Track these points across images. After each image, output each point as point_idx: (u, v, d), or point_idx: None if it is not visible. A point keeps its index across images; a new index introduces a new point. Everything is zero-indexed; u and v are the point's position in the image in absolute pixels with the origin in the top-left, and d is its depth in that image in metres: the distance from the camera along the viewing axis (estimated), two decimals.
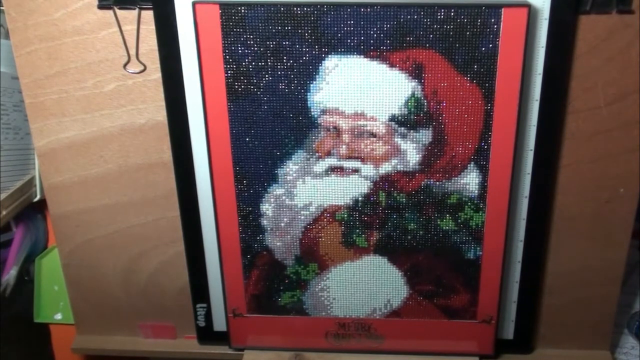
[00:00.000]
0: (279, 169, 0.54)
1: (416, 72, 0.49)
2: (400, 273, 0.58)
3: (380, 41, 0.48)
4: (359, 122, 0.51)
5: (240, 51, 0.49)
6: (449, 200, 0.54)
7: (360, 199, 0.54)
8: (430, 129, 0.51)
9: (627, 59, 0.50)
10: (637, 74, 0.50)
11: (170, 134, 0.54)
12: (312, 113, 0.51)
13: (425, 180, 0.53)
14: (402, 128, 0.51)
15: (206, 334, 0.63)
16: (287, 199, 0.55)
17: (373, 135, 0.52)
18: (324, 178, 0.54)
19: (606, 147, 0.53)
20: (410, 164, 0.53)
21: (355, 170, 0.53)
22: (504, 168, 0.52)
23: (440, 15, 0.47)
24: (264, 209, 0.55)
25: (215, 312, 0.62)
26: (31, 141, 0.60)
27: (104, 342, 0.66)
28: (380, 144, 0.52)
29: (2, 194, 0.61)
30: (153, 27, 0.50)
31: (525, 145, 0.53)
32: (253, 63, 0.49)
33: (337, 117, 0.51)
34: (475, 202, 0.54)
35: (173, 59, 0.51)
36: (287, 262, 0.58)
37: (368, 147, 0.52)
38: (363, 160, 0.53)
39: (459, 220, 0.55)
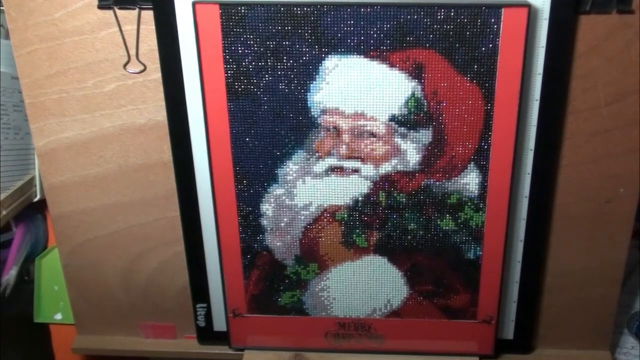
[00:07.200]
0: (279, 169, 0.54)
1: (416, 72, 0.49)
2: (400, 273, 0.58)
3: (380, 41, 0.48)
4: (359, 122, 0.51)
5: (240, 51, 0.49)
6: (449, 200, 0.54)
7: (360, 199, 0.54)
8: (430, 129, 0.51)
9: (627, 59, 0.50)
10: (637, 74, 0.50)
11: (170, 134, 0.54)
12: (312, 113, 0.51)
13: (425, 180, 0.53)
14: (402, 128, 0.51)
15: (206, 334, 0.63)
16: (287, 199, 0.55)
17: (373, 135, 0.52)
18: (324, 178, 0.54)
19: (606, 147, 0.53)
20: (410, 164, 0.53)
21: (355, 170, 0.53)
22: (504, 168, 0.52)
23: (440, 15, 0.47)
24: (264, 209, 0.55)
25: (215, 312, 0.62)
26: (31, 141, 0.60)
27: (104, 342, 0.66)
28: (380, 144, 0.52)
29: (2, 194, 0.61)
30: (153, 27, 0.50)
31: (525, 145, 0.53)
32: (253, 63, 0.49)
33: (337, 117, 0.51)
34: (475, 202, 0.54)
35: (173, 59, 0.51)
36: (287, 262, 0.58)
37: (368, 147, 0.52)
38: (363, 160, 0.53)
39: (459, 220, 0.55)
